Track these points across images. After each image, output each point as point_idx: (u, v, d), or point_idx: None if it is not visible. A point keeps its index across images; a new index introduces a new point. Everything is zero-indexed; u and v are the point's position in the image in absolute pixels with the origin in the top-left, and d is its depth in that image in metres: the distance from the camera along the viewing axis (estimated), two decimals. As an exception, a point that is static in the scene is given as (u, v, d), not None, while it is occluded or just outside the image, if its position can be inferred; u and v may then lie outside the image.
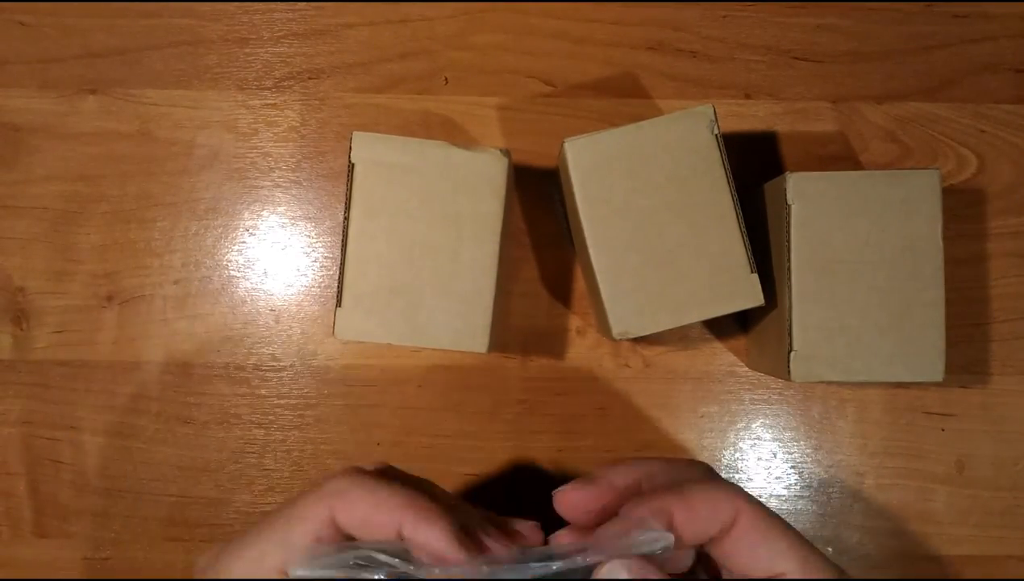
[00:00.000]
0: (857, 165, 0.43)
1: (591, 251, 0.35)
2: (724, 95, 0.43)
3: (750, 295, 0.35)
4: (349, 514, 0.26)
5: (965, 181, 0.43)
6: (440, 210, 0.34)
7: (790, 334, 0.35)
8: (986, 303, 0.42)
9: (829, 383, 0.42)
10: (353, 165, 0.34)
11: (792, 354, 0.35)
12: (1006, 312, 0.42)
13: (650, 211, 0.35)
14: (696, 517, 0.27)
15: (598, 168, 0.35)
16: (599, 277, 0.35)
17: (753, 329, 0.41)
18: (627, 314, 0.35)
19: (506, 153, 0.34)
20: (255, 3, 0.43)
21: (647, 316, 0.35)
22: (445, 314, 0.34)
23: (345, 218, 0.34)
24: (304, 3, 0.43)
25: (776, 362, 0.37)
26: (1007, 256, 0.43)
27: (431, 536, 0.26)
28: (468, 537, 0.27)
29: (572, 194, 0.36)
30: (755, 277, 0.35)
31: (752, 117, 0.43)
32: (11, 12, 0.43)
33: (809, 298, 0.35)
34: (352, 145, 0.34)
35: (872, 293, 0.35)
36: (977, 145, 0.43)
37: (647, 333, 0.35)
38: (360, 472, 0.28)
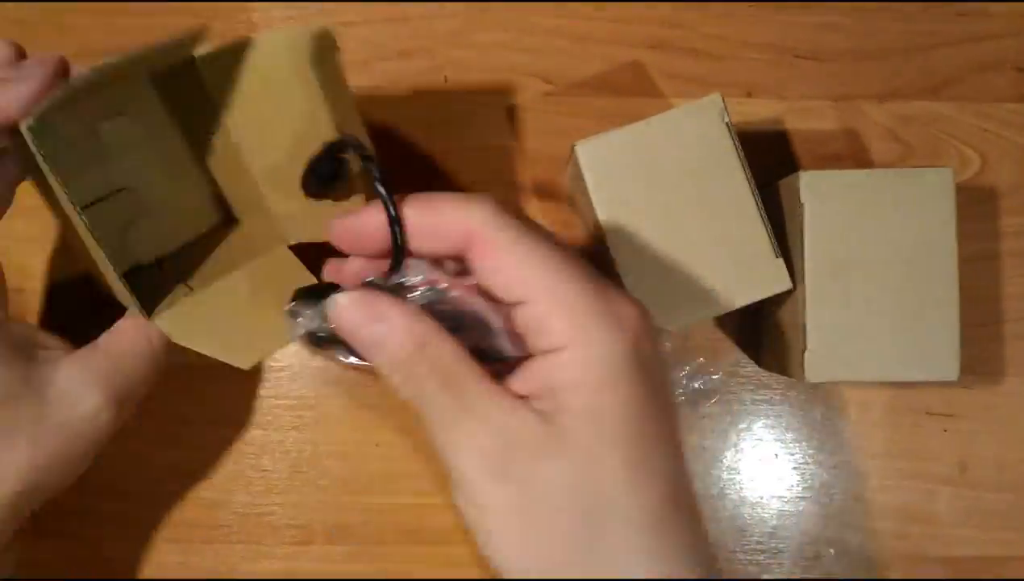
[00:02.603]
0: (859, 164, 0.42)
1: (612, 253, 0.35)
2: (726, 94, 0.42)
3: (777, 280, 0.35)
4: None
5: (968, 180, 0.42)
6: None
7: (804, 334, 0.35)
8: (990, 303, 0.42)
9: (841, 383, 0.42)
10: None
11: (806, 354, 0.35)
12: (1010, 312, 0.42)
13: (668, 206, 0.35)
14: (421, 229, 0.26)
15: (611, 168, 0.35)
16: (623, 278, 0.34)
17: (765, 328, 0.41)
18: (656, 312, 0.34)
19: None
20: (253, 2, 0.43)
21: (676, 312, 0.35)
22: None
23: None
24: (302, 1, 0.43)
25: (789, 362, 0.37)
26: (1010, 256, 0.42)
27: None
28: None
29: (587, 197, 0.35)
30: (780, 261, 0.34)
31: (754, 116, 0.43)
32: (7, 11, 0.42)
33: (823, 297, 0.35)
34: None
35: (886, 292, 0.35)
36: (980, 144, 0.42)
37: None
38: None
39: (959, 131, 0.43)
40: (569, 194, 0.42)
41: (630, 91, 0.43)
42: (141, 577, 0.42)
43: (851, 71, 0.43)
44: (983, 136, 0.43)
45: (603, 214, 0.35)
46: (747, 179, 0.34)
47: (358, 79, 0.42)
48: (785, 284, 0.35)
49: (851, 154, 0.42)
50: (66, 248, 0.42)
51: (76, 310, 0.42)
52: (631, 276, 0.35)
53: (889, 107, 0.43)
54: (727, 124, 0.35)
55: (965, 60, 0.43)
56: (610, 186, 0.35)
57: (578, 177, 0.36)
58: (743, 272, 0.35)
